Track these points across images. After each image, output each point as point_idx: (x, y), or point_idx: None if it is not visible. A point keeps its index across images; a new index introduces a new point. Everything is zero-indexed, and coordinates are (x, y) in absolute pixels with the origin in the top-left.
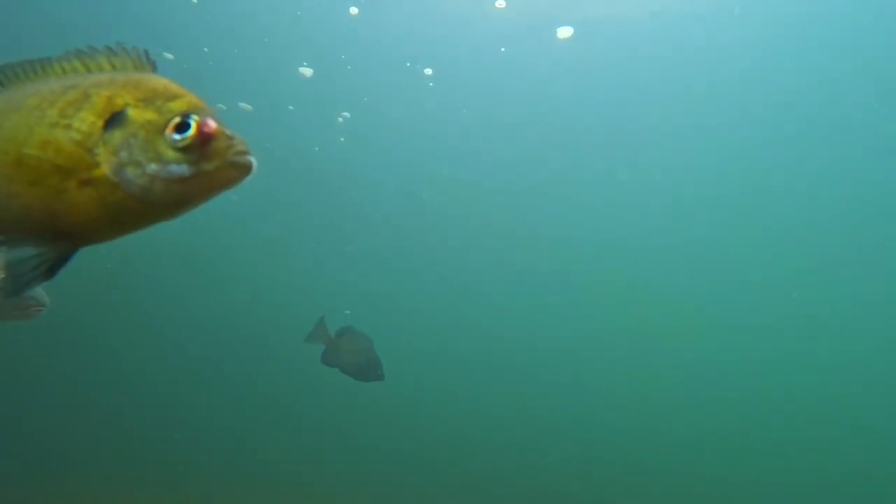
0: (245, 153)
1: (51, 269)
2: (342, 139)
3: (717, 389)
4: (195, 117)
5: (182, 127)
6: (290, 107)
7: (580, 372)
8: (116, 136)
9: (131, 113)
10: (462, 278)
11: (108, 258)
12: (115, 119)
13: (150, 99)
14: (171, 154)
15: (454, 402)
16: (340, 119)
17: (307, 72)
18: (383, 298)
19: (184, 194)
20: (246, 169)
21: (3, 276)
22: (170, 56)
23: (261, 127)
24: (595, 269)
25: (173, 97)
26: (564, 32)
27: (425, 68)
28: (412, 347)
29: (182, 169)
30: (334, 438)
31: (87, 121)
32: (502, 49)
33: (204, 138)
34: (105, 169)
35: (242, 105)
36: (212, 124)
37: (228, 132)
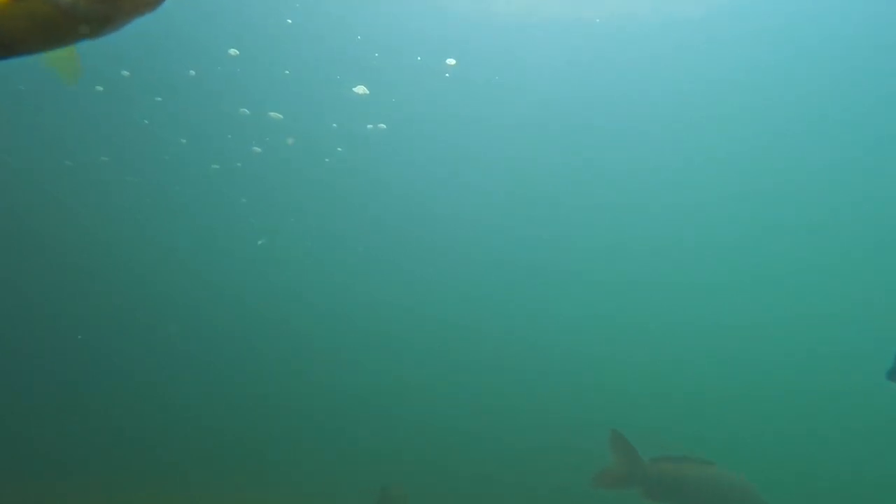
0: None
1: None
2: (339, 149)
3: (719, 389)
4: None
5: None
6: (334, 124)
7: (582, 372)
8: None
9: None
10: (472, 279)
11: (109, 261)
12: None
13: None
14: None
15: (456, 403)
16: (370, 126)
17: (361, 90)
18: (387, 298)
19: (106, 12)
20: None
21: None
22: (234, 52)
23: (286, 134)
24: (604, 269)
25: None
26: None
27: (447, 59)
28: (416, 348)
29: None
30: (335, 439)
31: None
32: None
33: None
34: None
35: (273, 114)
36: None
37: None
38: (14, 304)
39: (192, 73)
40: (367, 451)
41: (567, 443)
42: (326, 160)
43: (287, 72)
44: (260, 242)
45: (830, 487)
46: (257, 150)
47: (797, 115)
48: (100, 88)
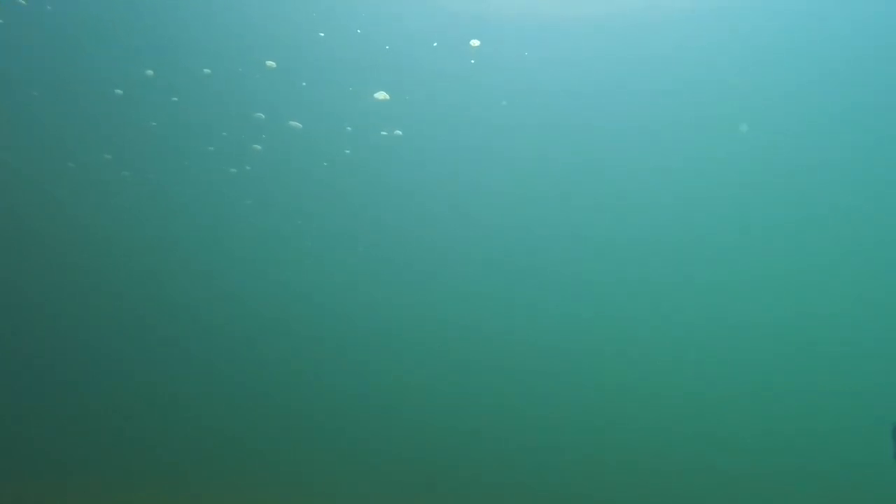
0: None
1: None
2: (347, 151)
3: (721, 389)
4: None
5: None
6: (349, 127)
7: (582, 372)
8: None
9: None
10: (476, 279)
11: (109, 261)
12: None
13: None
14: None
15: (457, 403)
16: (385, 133)
17: (382, 95)
18: (387, 298)
19: None
20: None
21: None
22: (272, 64)
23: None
24: (604, 269)
25: None
26: None
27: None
28: (417, 348)
29: None
30: (335, 439)
31: None
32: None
33: None
34: None
35: (293, 123)
36: None
37: None
38: (14, 304)
39: (208, 71)
40: (367, 451)
41: (566, 443)
42: (325, 164)
43: (304, 84)
44: None
45: (828, 486)
46: (257, 147)
47: (798, 113)
48: (119, 92)
